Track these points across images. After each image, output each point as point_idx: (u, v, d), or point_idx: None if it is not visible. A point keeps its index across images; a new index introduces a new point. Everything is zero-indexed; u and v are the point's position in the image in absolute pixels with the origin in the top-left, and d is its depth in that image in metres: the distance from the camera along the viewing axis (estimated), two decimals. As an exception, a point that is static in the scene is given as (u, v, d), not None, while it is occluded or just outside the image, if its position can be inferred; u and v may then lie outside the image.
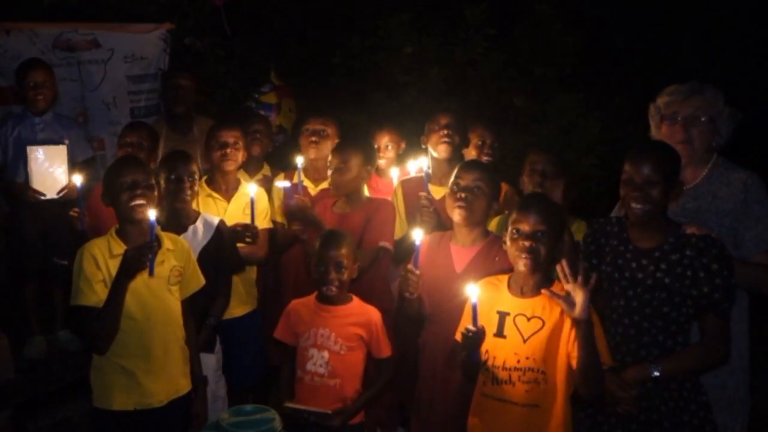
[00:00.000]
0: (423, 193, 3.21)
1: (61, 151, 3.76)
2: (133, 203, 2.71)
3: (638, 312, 2.52)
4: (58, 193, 3.72)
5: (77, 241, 3.25)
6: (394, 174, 3.77)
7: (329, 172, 3.34)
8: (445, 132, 3.43)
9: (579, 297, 2.22)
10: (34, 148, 3.72)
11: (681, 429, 2.49)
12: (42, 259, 3.92)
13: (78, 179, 3.38)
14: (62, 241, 3.72)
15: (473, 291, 2.35)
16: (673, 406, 2.48)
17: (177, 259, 2.85)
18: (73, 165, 3.82)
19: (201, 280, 2.98)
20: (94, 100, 4.94)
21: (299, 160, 3.49)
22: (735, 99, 2.88)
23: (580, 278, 2.24)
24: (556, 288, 2.39)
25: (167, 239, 2.86)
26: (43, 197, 3.71)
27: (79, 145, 4.06)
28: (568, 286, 2.25)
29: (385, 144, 4.02)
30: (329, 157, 3.38)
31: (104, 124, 4.96)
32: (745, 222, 2.71)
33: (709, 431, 2.53)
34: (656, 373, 2.45)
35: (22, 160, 3.75)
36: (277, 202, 3.73)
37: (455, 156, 3.53)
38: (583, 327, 2.25)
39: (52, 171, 3.72)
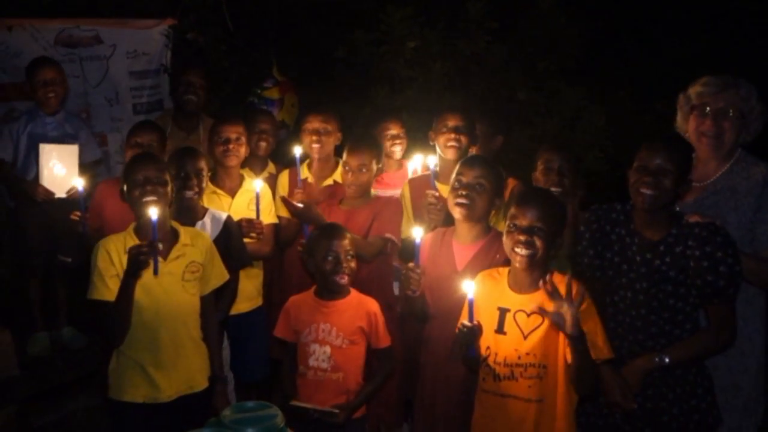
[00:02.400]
0: (430, 191, 3.19)
1: (73, 152, 3.75)
2: (144, 200, 2.75)
3: (645, 305, 2.52)
4: (67, 192, 3.71)
5: (81, 238, 3.26)
6: (411, 166, 3.73)
7: (348, 175, 3.35)
8: (453, 136, 3.35)
9: (568, 315, 2.21)
10: (47, 146, 3.72)
11: (689, 415, 2.50)
12: (46, 255, 3.92)
13: (80, 183, 3.36)
14: (66, 238, 3.72)
15: (470, 287, 2.34)
16: (680, 392, 2.50)
17: (195, 254, 2.85)
18: (82, 166, 3.80)
19: (224, 275, 2.99)
20: (96, 97, 4.95)
21: (297, 152, 3.49)
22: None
23: (567, 296, 2.22)
24: (555, 279, 2.39)
25: (185, 234, 2.87)
26: (53, 195, 3.70)
27: (89, 146, 4.05)
28: (557, 304, 2.24)
29: (397, 133, 3.98)
30: (344, 157, 3.38)
31: (106, 120, 4.98)
32: (759, 216, 2.67)
33: (716, 416, 2.54)
34: (666, 360, 2.46)
35: (33, 157, 3.75)
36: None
37: (463, 156, 3.48)
38: (575, 342, 2.25)
39: (62, 170, 3.71)
